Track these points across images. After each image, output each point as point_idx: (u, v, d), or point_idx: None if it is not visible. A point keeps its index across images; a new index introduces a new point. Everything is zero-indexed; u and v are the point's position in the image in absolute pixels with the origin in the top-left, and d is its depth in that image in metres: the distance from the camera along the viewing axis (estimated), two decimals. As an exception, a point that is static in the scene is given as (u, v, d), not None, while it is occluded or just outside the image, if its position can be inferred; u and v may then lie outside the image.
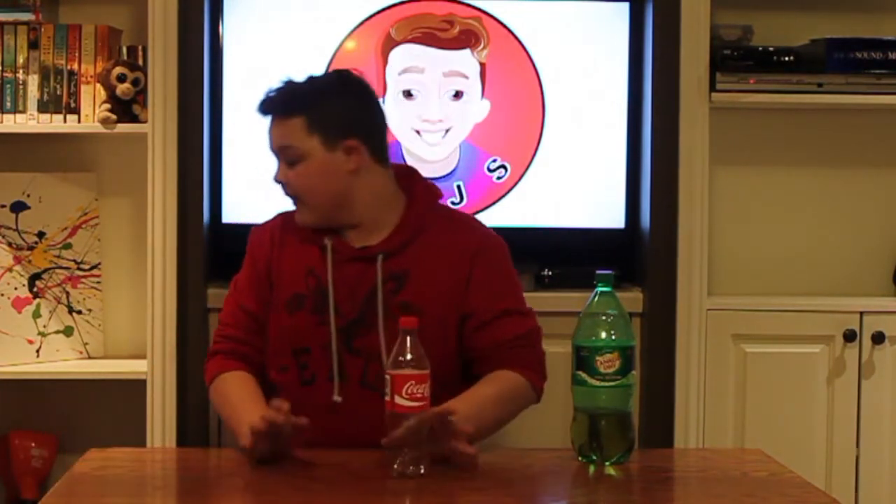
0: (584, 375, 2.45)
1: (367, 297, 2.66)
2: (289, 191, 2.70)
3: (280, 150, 2.68)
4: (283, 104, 2.68)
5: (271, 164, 3.53)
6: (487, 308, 2.69)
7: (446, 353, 2.66)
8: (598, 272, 2.49)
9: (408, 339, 2.36)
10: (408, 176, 2.78)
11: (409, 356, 2.35)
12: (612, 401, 2.45)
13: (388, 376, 2.35)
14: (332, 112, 2.67)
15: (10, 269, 3.51)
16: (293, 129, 2.66)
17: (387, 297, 2.65)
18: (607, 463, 2.46)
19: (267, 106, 2.70)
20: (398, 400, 2.35)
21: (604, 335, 2.45)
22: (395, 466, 2.35)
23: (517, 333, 2.71)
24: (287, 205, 2.78)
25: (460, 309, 2.67)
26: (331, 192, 2.67)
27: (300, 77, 2.74)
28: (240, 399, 2.67)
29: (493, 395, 2.65)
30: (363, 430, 2.52)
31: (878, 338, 3.43)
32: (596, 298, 2.48)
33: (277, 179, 2.70)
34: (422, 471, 2.35)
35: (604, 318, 2.46)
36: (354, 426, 2.61)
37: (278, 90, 2.71)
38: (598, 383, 2.44)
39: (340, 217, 2.70)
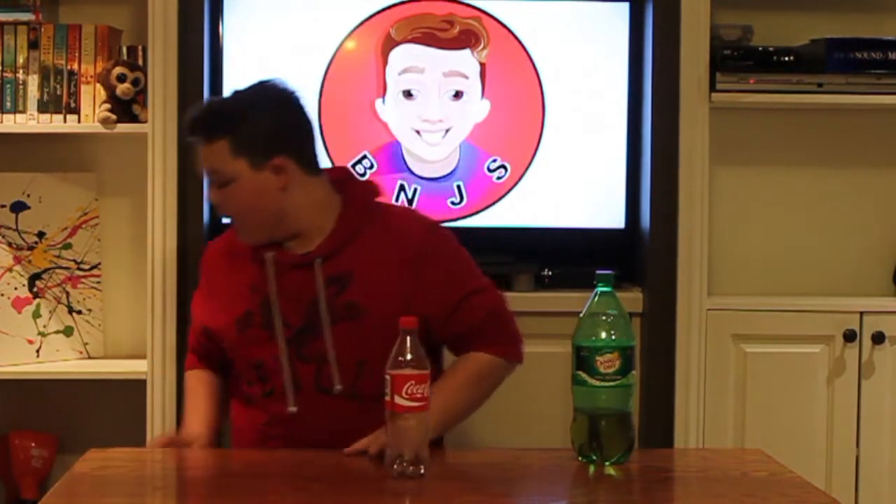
0: (584, 375, 2.45)
1: (311, 304, 2.65)
2: (223, 211, 2.71)
3: (208, 172, 2.67)
4: (206, 128, 2.65)
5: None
6: (448, 301, 2.68)
7: (386, 350, 2.60)
8: (598, 272, 2.49)
9: (407, 339, 2.36)
10: (342, 178, 2.75)
11: (408, 356, 2.35)
12: (612, 401, 2.45)
13: (388, 376, 2.35)
14: (255, 132, 2.63)
15: (10, 269, 3.51)
16: (218, 152, 2.63)
17: (330, 299, 2.64)
18: (607, 463, 2.46)
19: (191, 129, 2.69)
20: (398, 400, 2.34)
21: (604, 335, 2.45)
22: (395, 467, 2.35)
23: (482, 314, 2.71)
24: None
25: (414, 309, 2.57)
26: (264, 210, 2.65)
27: (225, 94, 2.74)
28: (189, 403, 2.78)
29: (458, 384, 2.67)
30: (327, 435, 2.58)
31: (878, 338, 3.43)
32: (596, 298, 2.48)
33: (211, 202, 2.71)
34: (422, 471, 2.35)
35: (604, 318, 2.46)
36: (318, 431, 2.62)
37: (202, 112, 2.71)
38: (598, 383, 2.44)
39: (281, 231, 2.68)
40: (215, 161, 2.64)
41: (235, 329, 2.69)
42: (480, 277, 2.76)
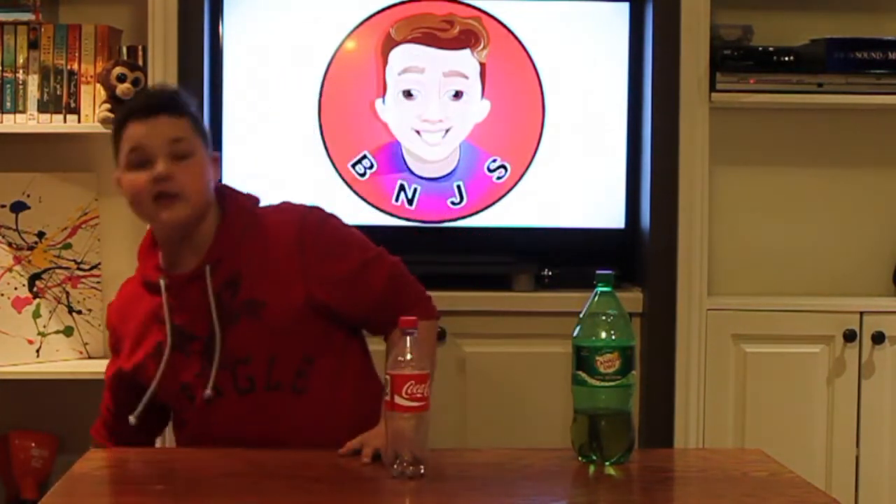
0: (584, 375, 2.45)
1: (210, 310, 2.64)
2: (171, 186, 2.61)
3: (172, 142, 2.62)
4: (171, 103, 2.65)
5: (271, 164, 3.54)
6: (342, 276, 2.66)
7: (306, 332, 2.63)
8: (598, 272, 2.49)
9: (407, 339, 2.36)
10: (222, 190, 2.74)
11: (408, 356, 2.35)
12: (612, 401, 2.45)
13: (387, 376, 2.35)
14: (202, 122, 2.69)
15: (10, 269, 3.51)
16: (184, 126, 2.63)
17: (228, 301, 2.63)
18: (607, 463, 2.46)
19: (152, 105, 2.65)
20: (398, 400, 2.34)
21: (604, 335, 2.45)
22: (395, 467, 2.35)
23: (383, 281, 2.69)
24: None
25: (314, 293, 2.60)
26: (206, 193, 2.65)
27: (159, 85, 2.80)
28: None
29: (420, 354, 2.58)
30: (271, 429, 2.60)
31: (878, 338, 3.43)
32: (596, 298, 2.48)
33: (159, 176, 2.60)
34: (421, 471, 2.35)
35: (604, 318, 2.46)
36: (261, 428, 2.62)
37: (158, 92, 2.74)
38: (598, 383, 2.44)
39: (195, 224, 2.65)
40: (182, 131, 2.63)
41: (153, 363, 2.66)
42: (369, 246, 2.73)
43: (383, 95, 3.52)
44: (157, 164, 2.60)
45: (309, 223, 2.68)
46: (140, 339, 2.70)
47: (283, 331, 2.57)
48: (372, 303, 2.68)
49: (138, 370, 2.70)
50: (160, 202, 2.61)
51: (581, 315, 2.49)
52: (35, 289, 3.54)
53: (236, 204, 2.70)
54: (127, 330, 2.74)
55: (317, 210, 2.72)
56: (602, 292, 2.48)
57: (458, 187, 3.55)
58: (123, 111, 2.71)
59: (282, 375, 2.63)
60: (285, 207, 2.75)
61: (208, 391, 2.62)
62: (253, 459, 2.48)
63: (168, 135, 2.62)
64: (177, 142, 2.62)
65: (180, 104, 2.66)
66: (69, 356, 3.56)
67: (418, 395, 2.34)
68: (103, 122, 3.40)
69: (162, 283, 2.66)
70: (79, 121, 3.44)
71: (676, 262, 3.43)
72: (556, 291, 3.46)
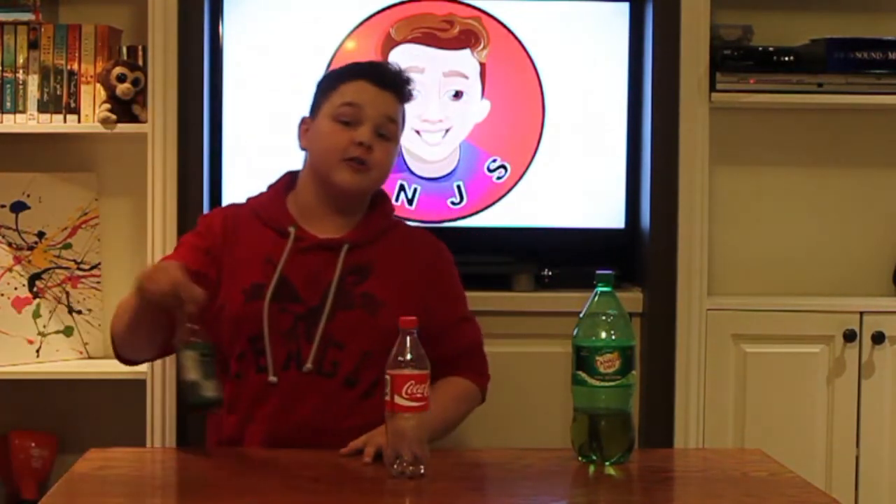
0: (584, 375, 2.45)
1: (328, 286, 2.68)
2: (366, 155, 2.70)
3: (385, 119, 2.73)
4: (402, 87, 2.79)
5: (271, 164, 3.54)
6: (447, 318, 2.78)
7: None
8: (598, 272, 2.49)
9: (407, 338, 2.36)
10: None
11: (408, 356, 2.35)
12: (612, 401, 2.46)
13: (388, 376, 2.35)
14: (405, 116, 2.82)
15: (10, 269, 3.51)
16: (398, 111, 2.78)
17: (349, 287, 2.68)
18: (607, 463, 2.46)
19: (388, 79, 2.78)
20: (398, 400, 2.35)
21: (604, 335, 2.45)
22: (395, 467, 2.35)
23: (471, 341, 2.82)
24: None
25: (423, 310, 2.61)
26: (387, 177, 2.79)
27: (397, 65, 2.86)
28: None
29: (447, 399, 2.72)
30: (315, 415, 2.64)
31: (878, 338, 3.43)
32: (596, 298, 2.48)
33: (360, 141, 2.69)
34: (421, 471, 2.35)
35: (604, 318, 2.47)
36: (307, 411, 2.66)
37: (396, 71, 2.82)
38: (598, 383, 2.44)
39: (361, 199, 2.77)
40: (396, 114, 2.77)
41: (243, 298, 2.68)
42: (468, 308, 2.88)
43: (383, 95, 3.51)
44: (364, 130, 2.70)
45: (445, 257, 2.84)
46: (239, 268, 2.69)
47: (389, 336, 2.48)
48: (452, 352, 2.76)
49: (222, 293, 2.68)
50: (349, 164, 2.70)
51: (581, 315, 2.49)
52: (35, 289, 3.54)
53: (386, 202, 2.84)
54: (230, 250, 2.72)
55: (450, 252, 2.87)
56: (602, 292, 2.48)
57: (458, 187, 3.55)
58: (356, 67, 2.82)
59: (365, 375, 2.67)
60: (427, 233, 2.89)
61: (309, 364, 2.65)
62: (253, 459, 2.48)
63: (387, 112, 2.73)
64: (390, 122, 2.74)
65: (407, 93, 2.80)
66: (69, 356, 3.56)
67: (418, 395, 2.35)
68: (103, 122, 3.40)
69: (292, 231, 2.71)
70: (79, 121, 3.44)
71: (676, 262, 3.43)
72: (556, 291, 3.46)
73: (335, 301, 2.67)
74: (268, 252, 2.71)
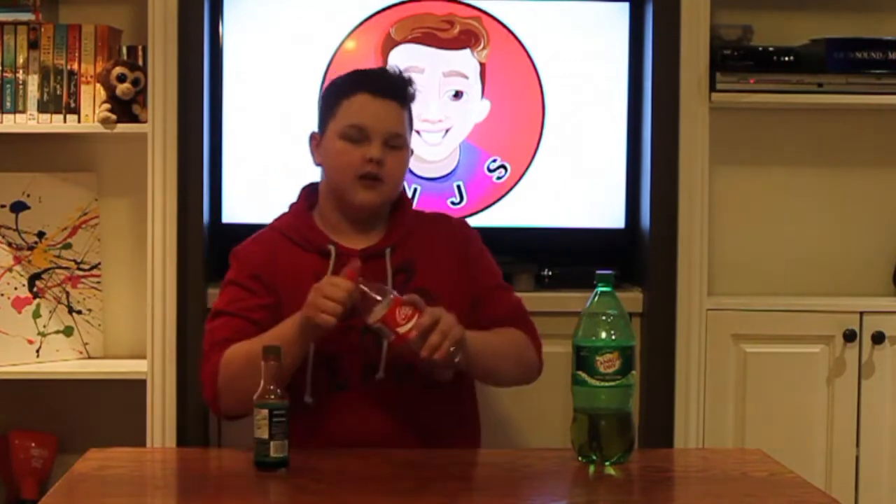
0: (584, 375, 2.45)
1: None
2: (378, 170, 2.72)
3: (392, 135, 2.74)
4: (403, 93, 2.78)
5: (271, 164, 3.54)
6: (486, 284, 2.82)
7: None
8: (598, 272, 2.49)
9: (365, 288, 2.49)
10: None
11: (377, 297, 2.48)
12: (612, 401, 2.45)
13: (378, 324, 2.46)
14: (412, 116, 2.82)
15: (10, 269, 3.51)
16: (403, 119, 2.79)
17: (401, 287, 2.68)
18: (607, 463, 2.46)
19: (388, 88, 2.77)
20: (401, 330, 2.46)
21: (604, 335, 2.45)
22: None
23: (512, 305, 2.84)
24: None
25: (469, 288, 2.78)
26: (401, 184, 2.81)
27: (396, 68, 2.86)
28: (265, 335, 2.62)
29: (503, 338, 2.76)
30: (399, 420, 2.66)
31: (878, 338, 3.43)
32: (596, 298, 2.48)
33: (374, 158, 2.71)
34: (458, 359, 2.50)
35: (604, 318, 2.47)
36: (391, 418, 2.68)
37: (396, 76, 2.81)
38: (598, 383, 2.44)
39: (383, 209, 2.80)
40: (402, 125, 2.77)
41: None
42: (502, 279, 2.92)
43: (383, 95, 3.51)
44: (373, 147, 2.72)
45: (472, 233, 2.89)
46: (294, 294, 2.65)
47: None
48: (498, 316, 2.79)
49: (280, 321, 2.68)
50: (363, 182, 2.72)
51: (581, 315, 2.49)
52: (35, 289, 3.54)
53: (407, 200, 2.87)
54: (283, 277, 2.72)
55: (469, 225, 2.92)
56: (602, 292, 2.48)
57: (458, 187, 3.55)
58: (356, 78, 2.81)
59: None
60: (446, 214, 2.95)
61: (380, 373, 2.68)
62: (252, 459, 2.48)
63: (391, 125, 2.74)
64: (396, 136, 2.74)
65: (409, 96, 2.79)
66: (69, 356, 3.56)
67: (410, 314, 2.47)
68: (103, 122, 3.40)
69: (332, 249, 2.73)
70: (79, 121, 3.44)
71: (676, 262, 3.43)
72: (556, 291, 3.46)
73: None
74: (315, 273, 2.69)
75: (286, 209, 2.86)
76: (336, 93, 2.78)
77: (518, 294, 2.90)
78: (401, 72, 2.83)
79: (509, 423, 3.39)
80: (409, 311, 2.50)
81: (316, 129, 2.81)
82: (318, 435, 2.68)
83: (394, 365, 2.68)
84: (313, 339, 2.60)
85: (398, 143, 2.75)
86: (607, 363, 2.44)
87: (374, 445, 2.63)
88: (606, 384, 2.44)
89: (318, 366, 2.68)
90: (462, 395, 2.79)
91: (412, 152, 2.84)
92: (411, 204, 2.89)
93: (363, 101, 2.73)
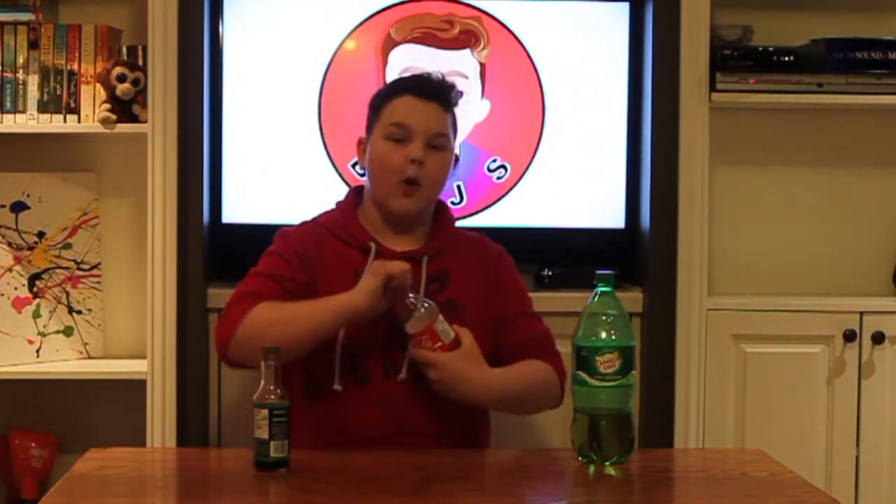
0: (584, 375, 2.45)
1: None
2: (418, 173, 2.78)
3: (434, 134, 2.79)
4: (446, 95, 2.84)
5: (271, 164, 3.54)
6: (513, 310, 2.85)
7: (483, 350, 2.72)
8: (598, 272, 2.49)
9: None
10: None
11: (421, 307, 2.62)
12: (612, 401, 2.46)
13: (410, 333, 2.59)
14: (456, 119, 2.87)
15: (10, 269, 3.51)
16: (446, 121, 2.83)
17: (432, 296, 2.74)
18: (607, 463, 2.46)
19: (431, 90, 2.83)
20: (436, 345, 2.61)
21: (604, 335, 2.46)
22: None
23: (538, 333, 2.85)
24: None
25: (495, 311, 2.82)
26: (442, 189, 2.85)
27: (439, 73, 2.92)
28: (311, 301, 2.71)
29: (524, 371, 2.78)
30: (420, 419, 2.71)
31: (878, 338, 3.43)
32: (596, 298, 2.48)
33: (416, 157, 2.76)
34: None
35: (604, 318, 2.47)
36: (412, 416, 2.72)
37: (439, 80, 2.87)
38: (598, 383, 2.44)
39: (425, 214, 2.85)
40: (445, 126, 2.82)
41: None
42: (534, 309, 2.94)
43: (383, 95, 3.51)
44: (415, 147, 2.77)
45: (507, 258, 2.94)
46: (331, 284, 2.73)
47: (475, 335, 2.70)
48: (522, 342, 2.82)
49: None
50: (402, 188, 2.77)
51: (581, 315, 2.49)
52: (35, 289, 3.54)
53: (448, 211, 2.94)
54: (323, 265, 2.78)
55: (508, 253, 2.96)
56: (602, 292, 2.48)
57: (458, 187, 3.55)
58: (400, 82, 2.92)
59: None
60: (484, 236, 2.98)
61: (403, 374, 2.72)
62: (252, 459, 2.48)
63: (434, 125, 2.80)
64: (439, 136, 2.79)
65: (452, 100, 2.85)
66: (69, 356, 3.56)
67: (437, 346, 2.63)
68: (103, 122, 3.40)
69: (373, 247, 2.78)
70: (79, 121, 3.44)
71: (676, 262, 3.43)
72: (556, 291, 3.46)
73: None
74: (354, 268, 2.75)
75: (333, 206, 2.92)
76: (381, 97, 2.87)
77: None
78: (444, 77, 2.90)
79: (510, 423, 3.39)
80: (437, 344, 2.63)
81: (363, 135, 2.89)
82: (332, 425, 2.72)
83: (416, 367, 2.70)
84: (348, 322, 2.66)
85: (441, 143, 2.80)
86: (607, 363, 2.44)
87: (385, 443, 2.66)
88: (606, 384, 2.44)
89: (342, 358, 2.72)
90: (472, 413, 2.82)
91: (457, 158, 2.89)
92: (453, 219, 2.95)
93: (407, 101, 2.81)
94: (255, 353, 2.52)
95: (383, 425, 2.70)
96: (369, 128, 2.87)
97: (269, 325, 2.65)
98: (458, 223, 3.49)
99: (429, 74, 2.92)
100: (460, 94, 2.88)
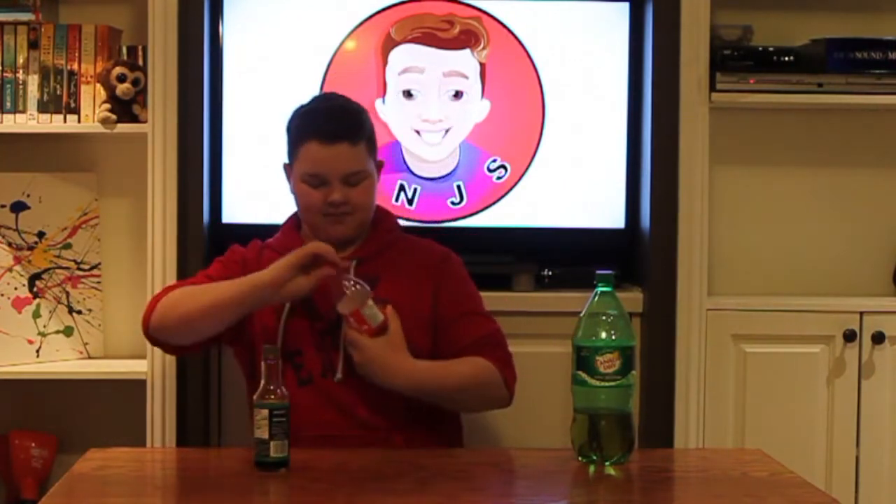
0: (584, 375, 2.45)
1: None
2: (345, 209, 2.83)
3: (350, 174, 2.83)
4: (352, 130, 2.84)
5: (272, 164, 3.54)
6: (454, 310, 2.87)
7: (416, 349, 2.78)
8: (598, 272, 2.49)
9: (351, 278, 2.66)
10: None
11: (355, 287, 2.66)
12: (612, 401, 2.46)
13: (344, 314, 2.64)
14: (373, 134, 2.90)
15: (10, 269, 3.51)
16: (361, 153, 2.85)
17: None
18: (607, 463, 2.46)
19: (334, 134, 2.83)
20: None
21: (604, 335, 2.45)
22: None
23: (483, 333, 2.87)
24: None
25: (431, 313, 2.85)
26: (372, 210, 2.90)
27: (331, 98, 2.97)
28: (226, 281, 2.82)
29: (458, 367, 2.81)
30: (365, 413, 2.76)
31: (878, 338, 3.43)
32: (596, 298, 2.48)
33: (334, 202, 2.82)
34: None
35: (604, 318, 2.47)
36: (357, 412, 2.77)
37: (337, 115, 2.87)
38: (598, 383, 2.44)
39: (360, 234, 2.89)
40: (360, 161, 2.84)
41: (275, 316, 2.81)
42: (482, 306, 2.95)
43: (383, 95, 3.52)
44: (333, 190, 2.82)
45: (453, 259, 2.95)
46: None
47: (405, 334, 2.76)
48: (461, 344, 2.84)
49: (257, 314, 2.81)
50: (330, 218, 2.83)
51: (581, 315, 2.49)
52: (35, 289, 3.54)
53: (388, 218, 2.96)
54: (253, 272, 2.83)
55: (457, 256, 2.97)
56: (602, 292, 2.48)
57: (459, 187, 3.55)
58: (305, 123, 2.89)
59: None
60: (431, 241, 3.00)
61: (339, 375, 2.78)
62: (252, 459, 2.48)
63: (346, 167, 2.83)
64: (354, 174, 2.83)
65: (361, 130, 2.85)
66: (69, 356, 3.56)
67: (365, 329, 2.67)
68: (103, 122, 3.40)
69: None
70: (79, 121, 3.44)
71: (676, 262, 3.43)
72: (556, 291, 3.46)
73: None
74: None
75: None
76: (293, 134, 2.90)
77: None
78: (345, 106, 2.91)
79: (509, 423, 3.39)
80: (363, 327, 2.70)
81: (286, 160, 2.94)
82: None
83: (351, 366, 2.75)
84: (258, 297, 2.71)
85: (358, 179, 2.84)
86: (607, 363, 2.44)
87: (338, 442, 2.72)
88: (606, 384, 2.44)
89: (284, 361, 2.73)
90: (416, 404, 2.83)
91: (381, 165, 2.93)
92: (392, 225, 2.97)
93: (315, 149, 2.84)
94: (172, 328, 2.78)
95: (332, 424, 2.76)
96: (290, 156, 2.92)
97: (182, 298, 2.79)
98: (459, 223, 3.52)
99: (329, 106, 2.92)
100: (364, 122, 2.88)
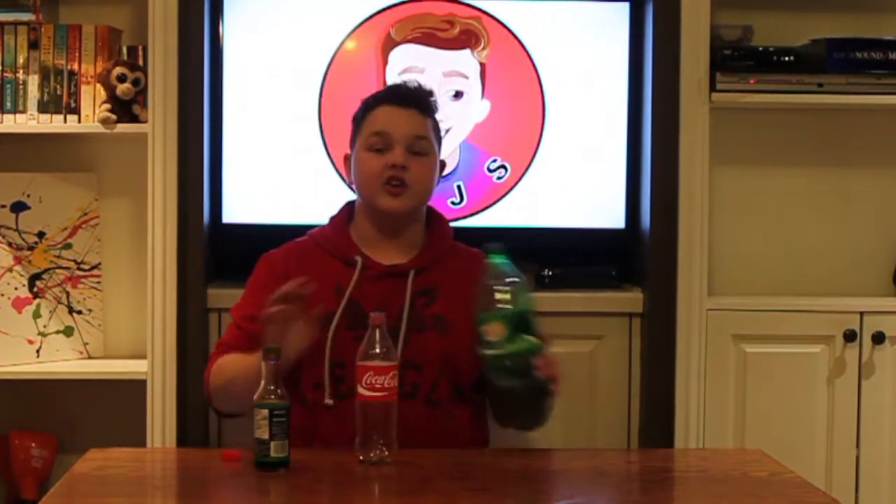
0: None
1: (399, 311, 2.74)
2: (403, 175, 2.78)
3: (414, 138, 2.80)
4: (423, 101, 2.85)
5: (272, 164, 3.54)
6: None
7: (472, 364, 2.67)
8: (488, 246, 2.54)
9: (376, 332, 2.45)
10: (429, 209, 2.92)
11: (376, 349, 2.44)
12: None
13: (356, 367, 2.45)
14: (438, 124, 2.88)
15: (10, 269, 3.51)
16: (426, 126, 2.83)
17: (420, 310, 2.75)
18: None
19: (404, 97, 2.84)
20: (360, 390, 2.44)
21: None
22: (361, 458, 2.40)
23: None
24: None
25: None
26: (429, 193, 2.84)
27: (415, 82, 2.93)
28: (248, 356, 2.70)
29: None
30: (403, 433, 2.58)
31: (878, 338, 3.43)
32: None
33: (396, 163, 2.77)
34: (387, 458, 2.42)
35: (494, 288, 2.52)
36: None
37: (415, 87, 2.88)
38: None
39: (412, 219, 2.83)
40: (425, 130, 2.82)
41: (318, 326, 2.68)
42: None
43: (383, 95, 3.51)
44: (396, 152, 2.78)
45: None
46: (314, 303, 2.68)
47: (461, 353, 2.69)
48: None
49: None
50: (388, 188, 2.77)
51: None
52: (35, 289, 3.54)
53: (444, 224, 2.91)
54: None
55: None
56: (492, 263, 2.53)
57: (459, 187, 3.55)
58: (377, 94, 2.91)
59: (443, 392, 2.74)
60: (479, 251, 2.87)
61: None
62: (252, 459, 2.48)
63: (413, 130, 2.80)
64: (419, 139, 2.80)
65: (430, 105, 2.86)
66: (69, 356, 3.56)
67: (378, 386, 2.43)
68: (103, 122, 3.40)
69: (359, 261, 2.79)
70: (79, 121, 3.44)
71: (676, 262, 3.43)
72: (556, 291, 3.46)
73: (409, 324, 2.73)
74: (337, 281, 2.77)
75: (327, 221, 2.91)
76: (361, 111, 2.87)
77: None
78: (420, 84, 2.91)
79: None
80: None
81: (348, 151, 2.89)
82: (319, 438, 2.70)
83: (401, 382, 2.63)
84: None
85: (422, 148, 2.80)
86: (493, 332, 2.48)
87: None
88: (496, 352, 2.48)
89: (322, 371, 2.72)
90: (476, 413, 2.83)
91: (443, 164, 2.89)
92: (447, 232, 2.90)
93: (385, 110, 2.82)
94: (233, 407, 2.76)
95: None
96: (353, 142, 2.87)
97: (230, 383, 2.73)
98: (459, 223, 3.51)
99: (405, 83, 2.94)
100: (435, 101, 2.88)
